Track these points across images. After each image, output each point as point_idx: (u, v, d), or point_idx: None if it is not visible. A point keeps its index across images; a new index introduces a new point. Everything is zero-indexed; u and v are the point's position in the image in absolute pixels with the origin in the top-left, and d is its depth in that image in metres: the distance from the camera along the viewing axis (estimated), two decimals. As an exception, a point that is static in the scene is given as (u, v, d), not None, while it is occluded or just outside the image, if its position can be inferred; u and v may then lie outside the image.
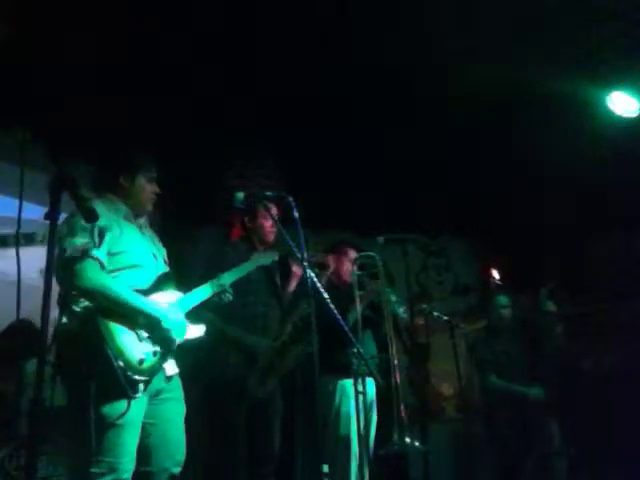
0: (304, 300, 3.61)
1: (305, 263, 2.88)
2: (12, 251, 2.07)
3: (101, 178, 2.93)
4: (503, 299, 4.99)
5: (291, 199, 2.96)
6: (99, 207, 2.68)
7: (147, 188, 2.90)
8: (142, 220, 2.96)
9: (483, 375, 4.80)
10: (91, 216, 2.09)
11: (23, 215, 2.61)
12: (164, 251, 3.03)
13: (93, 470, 2.45)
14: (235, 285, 3.15)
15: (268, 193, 3.30)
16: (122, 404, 2.49)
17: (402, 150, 5.28)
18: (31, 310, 2.43)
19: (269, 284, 3.75)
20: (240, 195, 3.14)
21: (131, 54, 4.20)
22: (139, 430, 2.61)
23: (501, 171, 5.33)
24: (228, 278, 3.12)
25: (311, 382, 2.75)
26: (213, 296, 3.02)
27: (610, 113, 4.68)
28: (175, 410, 2.80)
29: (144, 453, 2.66)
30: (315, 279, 2.87)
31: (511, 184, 5.50)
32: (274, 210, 3.41)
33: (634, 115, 4.68)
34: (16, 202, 2.65)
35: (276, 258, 3.61)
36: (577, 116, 4.68)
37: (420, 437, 4.21)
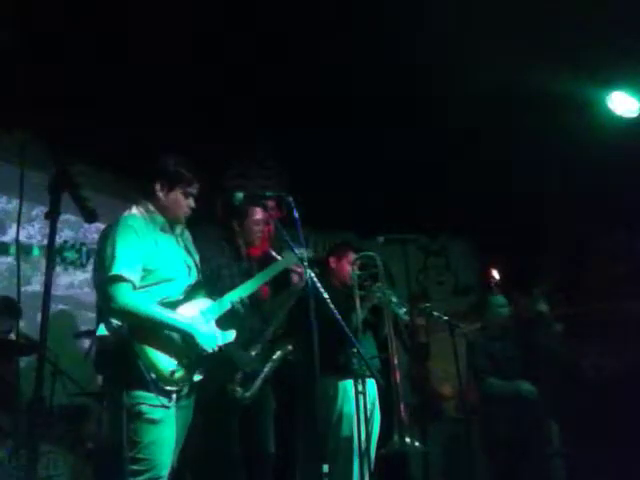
0: (283, 308, 3.57)
1: (305, 263, 2.89)
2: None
3: (140, 185, 2.96)
4: (499, 299, 4.96)
5: (291, 199, 2.96)
6: (137, 222, 2.77)
7: (182, 202, 2.91)
8: (178, 229, 2.98)
9: (481, 381, 4.78)
10: (91, 217, 2.10)
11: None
12: (197, 257, 3.04)
13: (133, 467, 2.52)
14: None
15: (268, 193, 3.30)
16: (156, 405, 2.59)
17: (402, 150, 5.28)
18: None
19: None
20: (240, 195, 3.14)
21: (130, 54, 4.20)
22: (174, 428, 2.68)
23: (501, 171, 5.33)
24: (255, 282, 3.15)
25: (311, 383, 2.75)
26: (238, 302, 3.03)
27: (610, 113, 4.67)
28: (184, 418, 2.83)
29: None
30: (315, 279, 2.87)
31: (511, 184, 5.50)
32: (272, 212, 3.37)
33: (634, 115, 4.68)
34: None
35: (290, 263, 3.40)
36: (577, 116, 4.68)
37: (420, 437, 4.20)
